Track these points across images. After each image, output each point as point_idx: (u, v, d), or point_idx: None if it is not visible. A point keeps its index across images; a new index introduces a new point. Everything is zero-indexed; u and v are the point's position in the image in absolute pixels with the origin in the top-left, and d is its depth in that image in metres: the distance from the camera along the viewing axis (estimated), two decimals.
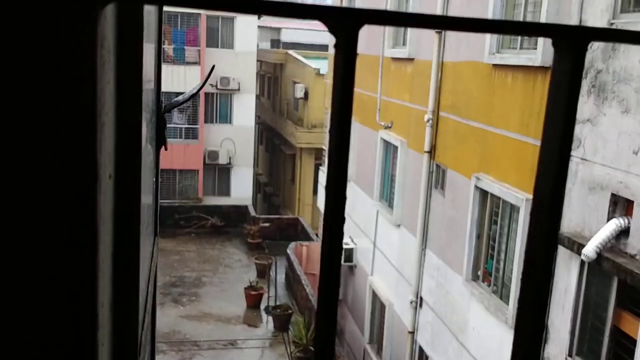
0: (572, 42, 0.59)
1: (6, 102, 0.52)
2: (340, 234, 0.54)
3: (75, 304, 0.58)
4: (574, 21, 7.17)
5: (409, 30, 12.03)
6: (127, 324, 1.05)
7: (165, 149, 1.68)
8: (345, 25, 0.57)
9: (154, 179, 1.62)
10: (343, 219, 0.56)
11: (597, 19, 6.85)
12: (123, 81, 0.70)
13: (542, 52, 7.70)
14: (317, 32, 33.96)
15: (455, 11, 10.28)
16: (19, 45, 0.52)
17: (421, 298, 11.45)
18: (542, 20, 7.70)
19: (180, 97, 2.77)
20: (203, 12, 25.80)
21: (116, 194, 0.74)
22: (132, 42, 0.79)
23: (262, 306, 18.17)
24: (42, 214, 0.55)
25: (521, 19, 8.43)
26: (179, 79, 24.53)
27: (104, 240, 0.65)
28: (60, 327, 0.56)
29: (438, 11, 10.59)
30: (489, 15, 8.92)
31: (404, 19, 0.57)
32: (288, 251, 19.77)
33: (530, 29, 0.62)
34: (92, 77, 0.54)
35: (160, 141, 1.61)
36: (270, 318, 17.34)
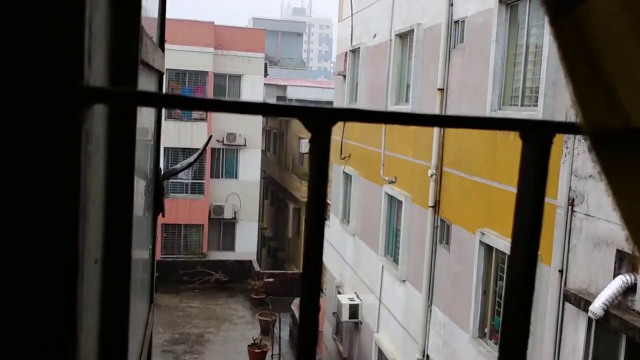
0: (538, 134, 0.63)
1: None
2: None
3: None
4: None
5: (412, 86, 12.24)
6: None
7: (163, 216, 1.71)
8: (319, 123, 0.60)
9: (151, 247, 1.64)
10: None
11: None
12: (114, 169, 0.73)
13: (542, 108, 7.80)
14: (321, 89, 34.52)
15: (456, 70, 10.47)
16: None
17: (428, 356, 11.23)
18: (542, 77, 7.83)
19: (178, 165, 2.84)
20: (211, 70, 26.31)
21: (103, 276, 0.76)
22: (124, 134, 0.83)
23: None
24: (21, 306, 0.57)
25: (521, 77, 8.58)
26: (186, 136, 24.84)
27: (86, 327, 0.66)
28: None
29: (440, 71, 10.79)
30: (490, 73, 9.09)
31: (375, 116, 0.60)
32: (292, 307, 19.53)
33: (500, 124, 0.65)
34: (75, 171, 0.57)
35: (157, 208, 1.64)
36: None
